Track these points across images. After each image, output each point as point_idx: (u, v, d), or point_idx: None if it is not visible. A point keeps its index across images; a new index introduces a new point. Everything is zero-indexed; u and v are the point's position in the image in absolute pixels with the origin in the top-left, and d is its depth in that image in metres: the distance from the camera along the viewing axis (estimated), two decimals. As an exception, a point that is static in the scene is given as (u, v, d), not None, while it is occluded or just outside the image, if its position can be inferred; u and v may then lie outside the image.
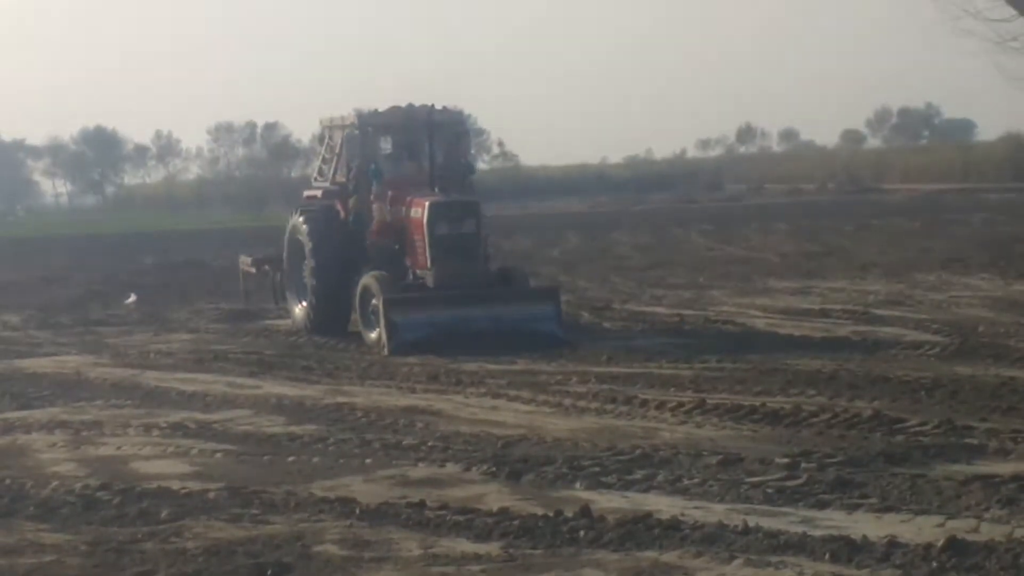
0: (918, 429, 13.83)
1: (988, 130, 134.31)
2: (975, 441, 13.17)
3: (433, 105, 23.70)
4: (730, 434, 14.31)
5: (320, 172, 25.85)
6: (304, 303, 24.29)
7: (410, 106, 23.76)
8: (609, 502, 11.44)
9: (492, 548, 10.25)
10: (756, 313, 25.15)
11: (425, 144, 23.94)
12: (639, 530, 10.41)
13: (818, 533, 10.12)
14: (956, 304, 25.35)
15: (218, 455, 14.36)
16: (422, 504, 11.49)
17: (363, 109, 24.28)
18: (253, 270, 27.39)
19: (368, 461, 13.63)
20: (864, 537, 9.90)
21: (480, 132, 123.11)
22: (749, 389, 16.56)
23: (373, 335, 22.01)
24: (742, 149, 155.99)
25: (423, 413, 16.24)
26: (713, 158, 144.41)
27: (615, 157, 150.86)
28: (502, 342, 21.02)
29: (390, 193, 23.16)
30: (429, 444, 14.28)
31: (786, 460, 12.58)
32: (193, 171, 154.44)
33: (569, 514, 10.90)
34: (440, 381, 18.74)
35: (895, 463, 12.40)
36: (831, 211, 64.76)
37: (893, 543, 9.69)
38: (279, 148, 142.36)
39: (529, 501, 11.61)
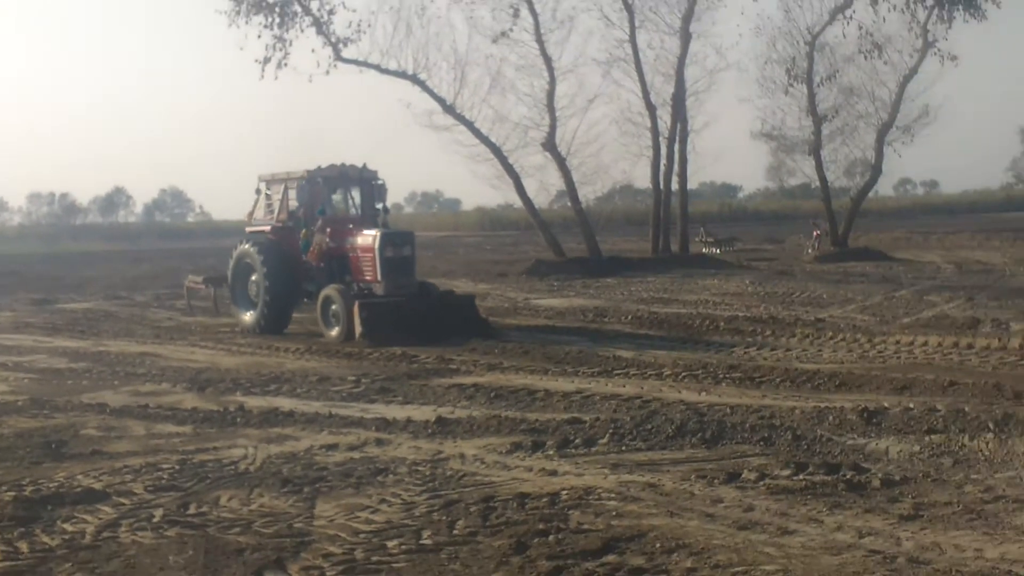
0: (425, 360, 14.02)
1: (469, 202, 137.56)
2: (455, 367, 13.44)
3: (364, 164, 19.23)
4: (324, 364, 14.18)
5: (262, 214, 19.54)
6: (252, 312, 18.67)
7: (343, 164, 19.18)
8: (255, 402, 11.20)
9: (187, 429, 9.92)
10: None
11: (355, 192, 19.65)
12: (272, 416, 10.26)
13: (370, 416, 10.18)
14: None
15: (25, 380, 13.35)
16: (147, 406, 11.04)
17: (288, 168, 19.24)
18: (202, 286, 21.63)
19: (116, 382, 12.93)
20: (395, 418, 10.02)
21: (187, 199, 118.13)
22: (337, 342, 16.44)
23: (334, 332, 16.75)
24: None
25: (150, 355, 15.44)
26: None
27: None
28: (439, 330, 16.46)
29: (329, 228, 18.15)
30: (153, 372, 13.65)
31: (353, 378, 12.61)
32: (16, 221, 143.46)
33: (232, 409, 10.67)
34: (161, 337, 17.88)
35: (412, 378, 12.57)
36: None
37: (409, 420, 9.86)
38: (68, 208, 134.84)
39: (209, 403, 11.27)
